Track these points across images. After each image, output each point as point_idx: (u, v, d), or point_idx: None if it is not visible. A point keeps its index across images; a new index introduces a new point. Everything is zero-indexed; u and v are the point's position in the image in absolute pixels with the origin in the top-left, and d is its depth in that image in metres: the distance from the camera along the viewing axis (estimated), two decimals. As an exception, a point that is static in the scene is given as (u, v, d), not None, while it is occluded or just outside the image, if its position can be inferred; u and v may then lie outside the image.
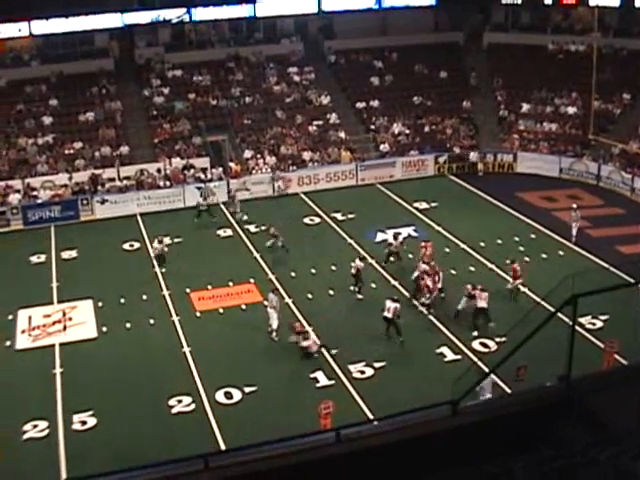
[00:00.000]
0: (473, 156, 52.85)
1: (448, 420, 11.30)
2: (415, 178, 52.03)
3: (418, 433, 10.99)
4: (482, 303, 31.67)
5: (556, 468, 10.14)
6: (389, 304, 31.00)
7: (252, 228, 43.84)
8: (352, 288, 35.28)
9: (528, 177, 51.15)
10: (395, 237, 38.90)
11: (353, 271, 35.32)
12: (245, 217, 45.36)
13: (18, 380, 29.57)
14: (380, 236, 41.64)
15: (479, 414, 11.42)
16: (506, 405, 12.32)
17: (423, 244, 37.62)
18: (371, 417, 25.58)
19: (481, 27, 62.50)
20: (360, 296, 35.13)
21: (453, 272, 36.54)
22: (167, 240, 39.18)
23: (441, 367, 29.00)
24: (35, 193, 46.94)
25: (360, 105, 56.99)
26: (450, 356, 30.01)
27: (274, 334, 31.54)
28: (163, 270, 38.35)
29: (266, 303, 32.79)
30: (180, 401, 27.62)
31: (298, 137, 53.63)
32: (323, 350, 30.39)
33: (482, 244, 40.05)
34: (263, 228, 39.78)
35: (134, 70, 57.55)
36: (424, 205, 46.52)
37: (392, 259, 38.35)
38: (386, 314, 30.97)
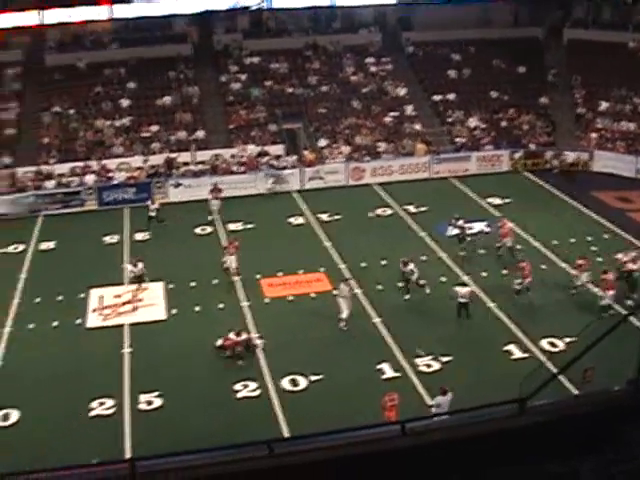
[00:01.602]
0: (570, 156, 51.52)
1: (515, 418, 11.19)
2: (489, 173, 51.49)
3: (484, 430, 10.91)
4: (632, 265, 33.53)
5: (624, 471, 10.04)
6: (460, 289, 32.38)
7: (325, 217, 43.97)
8: (421, 282, 34.70)
9: (604, 176, 50.32)
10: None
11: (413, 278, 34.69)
12: None
13: (87, 358, 30.16)
14: (451, 230, 41.48)
15: (546, 414, 11.29)
16: (573, 406, 12.15)
17: (500, 223, 38.91)
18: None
19: (561, 23, 61.66)
20: (407, 297, 34.43)
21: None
22: (140, 265, 35.82)
23: (507, 365, 28.80)
24: (110, 174, 47.59)
25: (436, 98, 56.64)
26: (517, 354, 29.78)
27: (343, 324, 31.58)
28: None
29: (336, 292, 32.86)
30: (246, 386, 27.87)
31: (373, 128, 53.53)
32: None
33: (555, 242, 39.58)
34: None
35: (212, 56, 57.93)
36: (497, 201, 46.05)
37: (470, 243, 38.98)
38: (461, 299, 32.09)
